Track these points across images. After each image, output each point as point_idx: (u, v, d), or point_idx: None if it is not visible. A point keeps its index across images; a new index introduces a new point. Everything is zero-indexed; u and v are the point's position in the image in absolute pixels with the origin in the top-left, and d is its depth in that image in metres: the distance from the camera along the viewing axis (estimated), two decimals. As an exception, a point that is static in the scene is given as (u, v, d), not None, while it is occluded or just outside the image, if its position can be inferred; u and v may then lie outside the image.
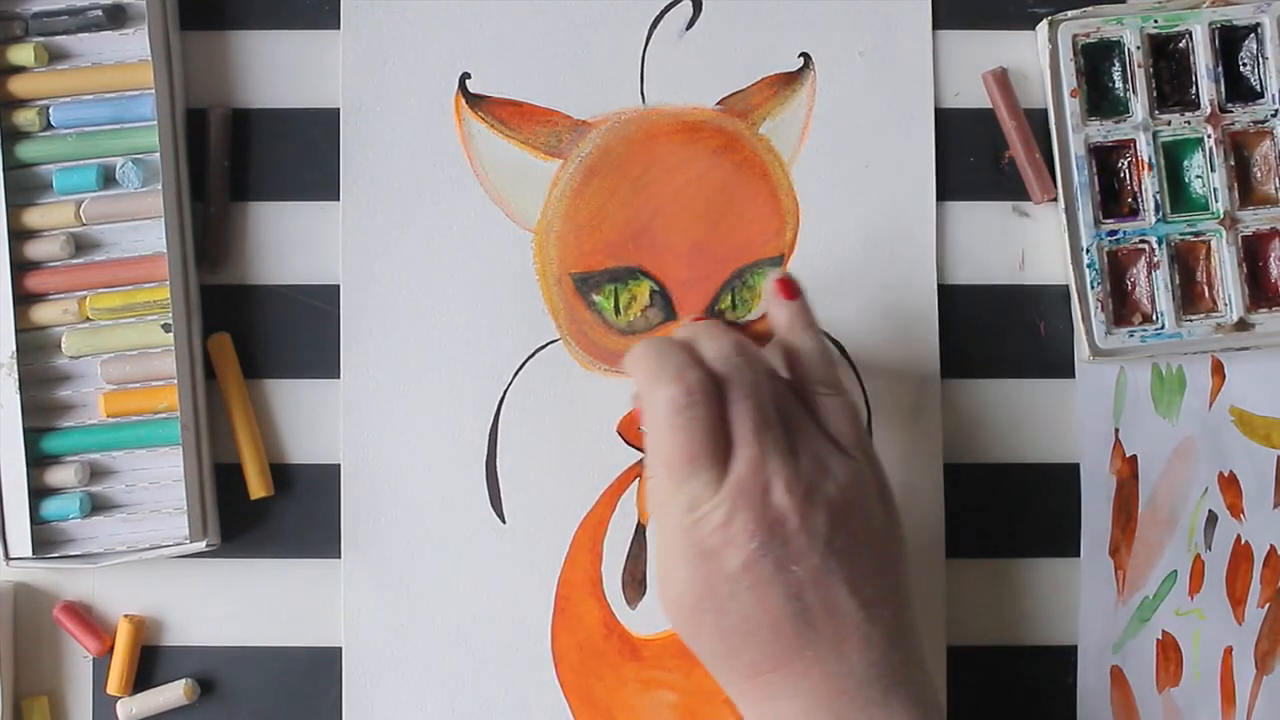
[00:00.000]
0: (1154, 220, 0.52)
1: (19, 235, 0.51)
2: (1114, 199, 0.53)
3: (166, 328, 0.51)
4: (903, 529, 0.46)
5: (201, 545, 0.51)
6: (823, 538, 0.43)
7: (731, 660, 0.44)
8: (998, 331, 0.53)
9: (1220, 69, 0.52)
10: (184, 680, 0.52)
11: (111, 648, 0.52)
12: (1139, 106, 0.52)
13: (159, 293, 0.51)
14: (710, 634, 0.43)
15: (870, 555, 0.44)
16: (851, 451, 0.45)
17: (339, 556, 0.52)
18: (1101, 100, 0.53)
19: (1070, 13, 0.52)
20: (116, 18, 0.52)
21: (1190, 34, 0.52)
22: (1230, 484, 0.53)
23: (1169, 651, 0.53)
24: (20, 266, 0.51)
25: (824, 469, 0.44)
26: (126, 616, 0.52)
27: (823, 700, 0.43)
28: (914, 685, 0.44)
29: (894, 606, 0.44)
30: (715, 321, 0.48)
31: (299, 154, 0.53)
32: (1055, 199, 0.53)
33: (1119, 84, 0.53)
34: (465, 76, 0.53)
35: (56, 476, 0.51)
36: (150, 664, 0.52)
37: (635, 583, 0.53)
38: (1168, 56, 0.53)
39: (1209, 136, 0.52)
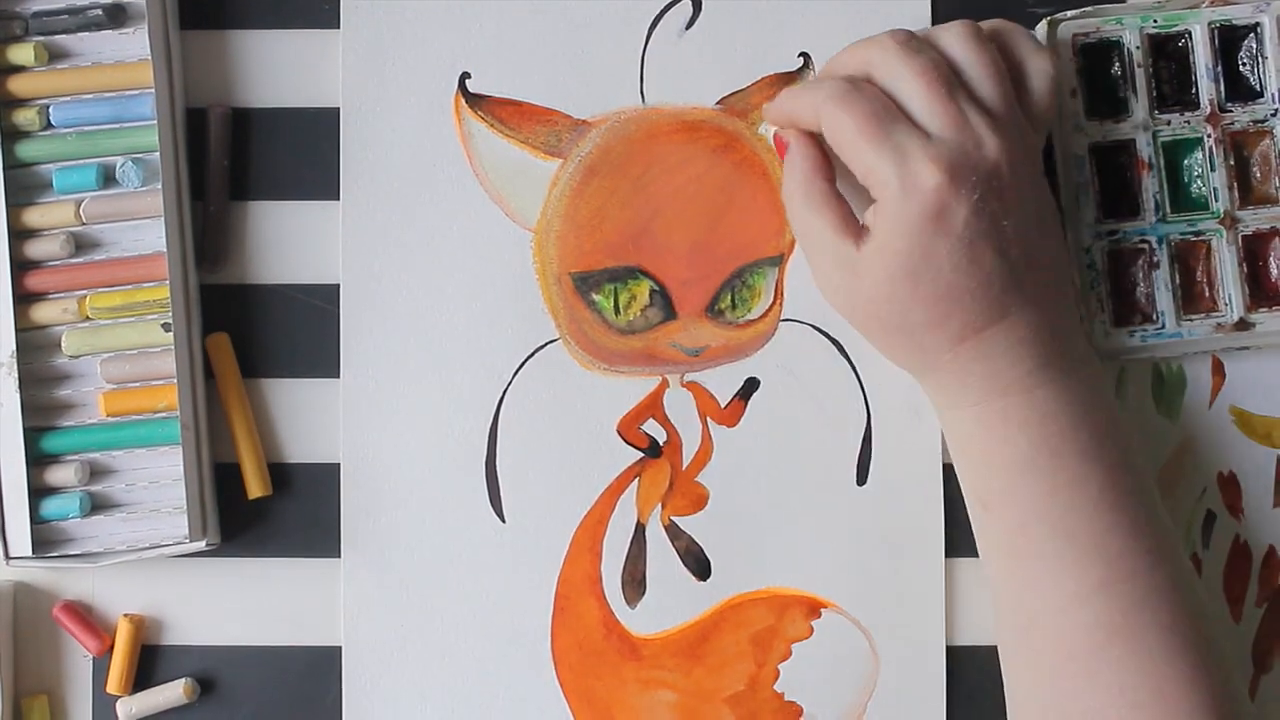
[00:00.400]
0: (1154, 220, 0.52)
1: (19, 234, 0.51)
2: (1114, 199, 0.53)
3: (166, 327, 0.51)
4: (1052, 197, 0.49)
5: (201, 545, 0.51)
6: (1028, 191, 0.46)
7: (943, 326, 0.45)
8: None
9: (1220, 69, 0.52)
10: (183, 680, 0.52)
11: (111, 647, 0.52)
12: (1139, 106, 0.52)
13: (159, 292, 0.51)
14: (925, 302, 0.45)
15: (1049, 216, 0.47)
16: (1017, 111, 0.47)
17: (339, 556, 0.52)
18: (1101, 100, 0.53)
19: (1070, 13, 0.52)
20: (116, 17, 0.52)
21: (1190, 34, 0.52)
22: (1229, 483, 0.53)
23: (1168, 651, 0.52)
24: (20, 266, 0.51)
25: (1014, 126, 0.46)
26: (126, 616, 0.52)
27: (1028, 350, 0.46)
28: (1086, 337, 0.49)
29: (1067, 267, 0.49)
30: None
31: (299, 153, 0.53)
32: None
33: (1119, 84, 0.53)
34: (465, 76, 0.53)
35: (56, 476, 0.51)
36: (150, 663, 0.52)
37: (635, 582, 0.53)
38: (1167, 56, 0.53)
39: (1209, 136, 0.52)
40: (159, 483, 0.52)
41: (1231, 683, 0.45)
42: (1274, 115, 0.52)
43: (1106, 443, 0.46)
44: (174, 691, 0.52)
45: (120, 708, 0.52)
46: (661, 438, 0.53)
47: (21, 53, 0.51)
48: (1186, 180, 0.53)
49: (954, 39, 0.47)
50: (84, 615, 0.52)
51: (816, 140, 0.48)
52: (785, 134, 0.49)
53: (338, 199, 0.53)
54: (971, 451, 0.48)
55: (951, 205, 0.44)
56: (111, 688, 0.52)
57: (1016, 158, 0.45)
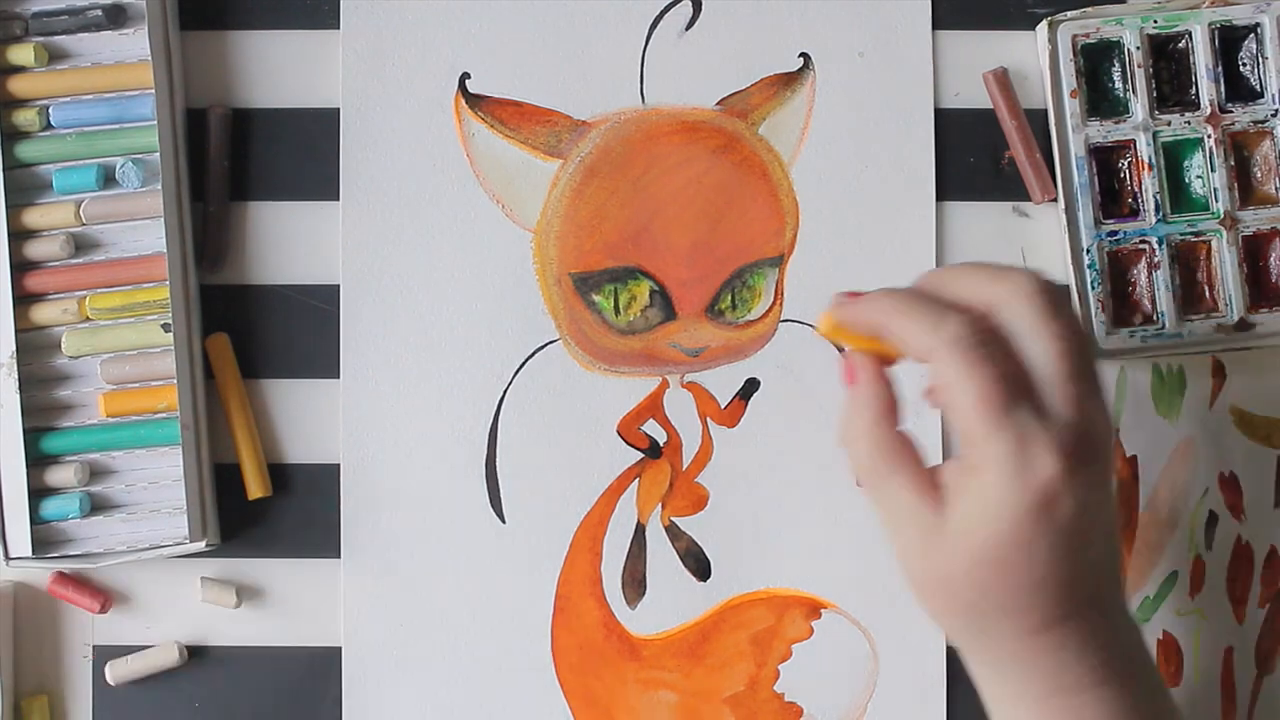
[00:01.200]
0: (1154, 220, 0.52)
1: (19, 235, 0.51)
2: (1114, 199, 0.53)
3: (166, 328, 0.51)
4: None
5: (201, 545, 0.51)
6: (1110, 491, 0.42)
7: (1023, 616, 0.41)
8: (998, 331, 0.53)
9: (1220, 69, 0.52)
10: (174, 641, 0.52)
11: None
12: (1139, 107, 0.52)
13: (158, 293, 0.51)
14: (1010, 590, 0.41)
15: (1114, 519, 0.44)
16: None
17: (339, 556, 0.52)
18: (1101, 100, 0.53)
19: (1070, 13, 0.52)
20: (116, 18, 0.52)
21: (1190, 34, 0.52)
22: (1230, 484, 0.53)
23: (1170, 652, 0.52)
24: (20, 266, 0.51)
25: (1108, 417, 0.42)
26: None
27: (1099, 644, 0.42)
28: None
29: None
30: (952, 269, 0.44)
31: (299, 154, 0.53)
32: (1055, 199, 0.53)
33: (1119, 84, 0.53)
34: (465, 76, 0.53)
35: (56, 476, 0.51)
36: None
37: (635, 583, 0.53)
38: (1167, 57, 0.53)
39: (1209, 136, 0.52)
40: (159, 483, 0.52)
41: None
42: (1274, 116, 0.52)
43: None
44: (166, 653, 0.52)
45: (109, 670, 0.52)
46: (662, 438, 0.53)
47: (21, 53, 0.51)
48: (1187, 181, 0.53)
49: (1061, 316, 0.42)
50: (79, 580, 0.52)
51: (888, 381, 0.43)
52: (859, 365, 0.43)
53: (338, 199, 0.53)
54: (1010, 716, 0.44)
55: (1063, 496, 0.40)
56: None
57: (1111, 444, 0.42)
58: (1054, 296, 0.41)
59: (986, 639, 0.42)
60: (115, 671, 0.52)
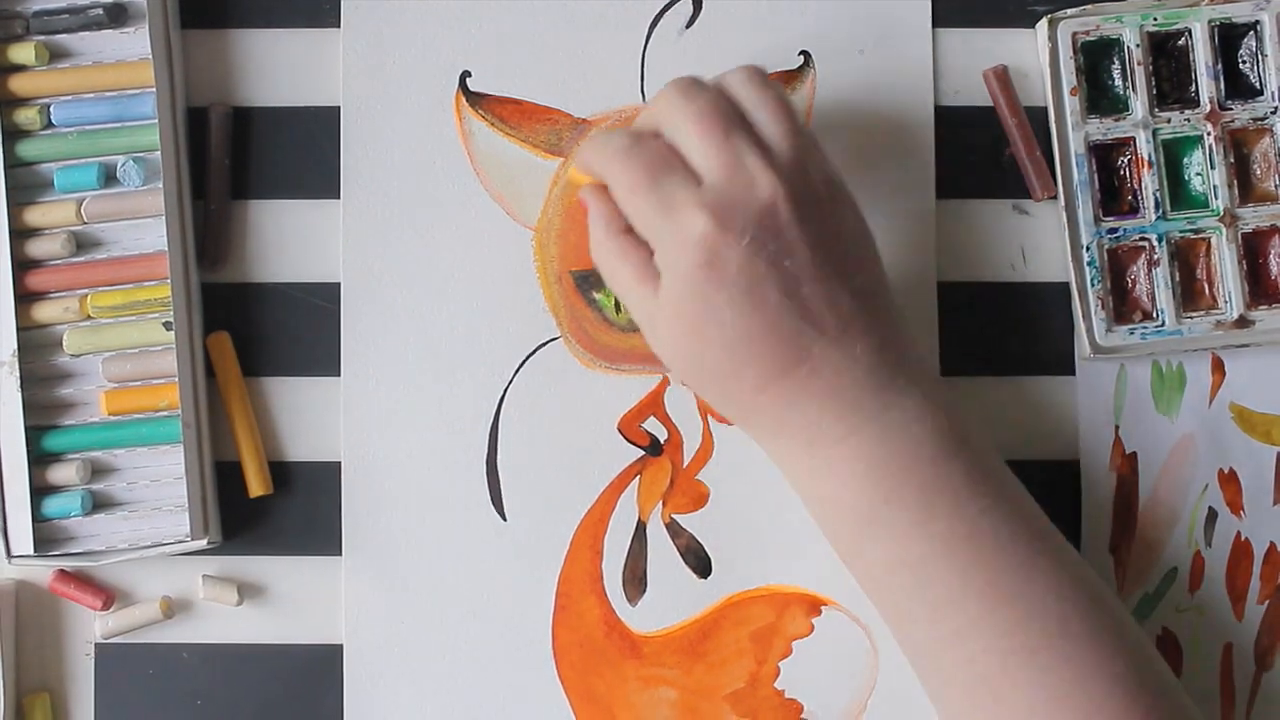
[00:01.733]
0: (1154, 218, 0.52)
1: (20, 234, 0.51)
2: (1114, 197, 0.53)
3: (168, 325, 0.51)
4: (865, 222, 0.47)
5: (203, 543, 0.51)
6: (812, 229, 0.44)
7: (739, 376, 0.44)
8: (998, 329, 0.53)
9: (1220, 66, 0.52)
10: (160, 597, 0.52)
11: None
12: (1139, 104, 0.52)
13: (160, 290, 0.51)
14: (716, 353, 0.44)
15: (853, 246, 0.45)
16: (805, 144, 0.45)
17: (339, 554, 0.52)
18: (1101, 98, 0.53)
19: (1069, 11, 0.52)
20: (117, 16, 0.52)
21: (1189, 32, 0.52)
22: (1230, 481, 0.53)
23: (1169, 648, 0.52)
24: (21, 265, 0.51)
25: (798, 161, 0.44)
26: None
27: (835, 393, 0.44)
28: (916, 363, 0.46)
29: (884, 295, 0.46)
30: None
31: (299, 152, 0.53)
32: (1055, 196, 0.53)
33: (1118, 82, 0.53)
34: (465, 75, 0.53)
35: (58, 474, 0.51)
36: (150, 660, 0.52)
37: (636, 580, 0.53)
38: (1167, 54, 0.53)
39: (1208, 134, 0.52)
40: (160, 481, 0.52)
41: (1154, 668, 0.44)
42: (1274, 113, 0.52)
43: (952, 469, 0.44)
44: (150, 609, 0.52)
45: (98, 623, 0.52)
46: (662, 436, 0.53)
47: (22, 52, 0.51)
48: (1186, 178, 0.53)
49: (736, 81, 0.46)
50: (81, 578, 0.52)
51: (611, 198, 0.47)
52: (587, 194, 0.48)
53: (338, 198, 0.53)
54: (818, 508, 0.46)
55: (722, 251, 0.42)
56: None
57: (799, 194, 0.43)
58: (693, 87, 0.46)
59: (729, 402, 0.46)
60: (101, 627, 0.52)
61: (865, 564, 0.45)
